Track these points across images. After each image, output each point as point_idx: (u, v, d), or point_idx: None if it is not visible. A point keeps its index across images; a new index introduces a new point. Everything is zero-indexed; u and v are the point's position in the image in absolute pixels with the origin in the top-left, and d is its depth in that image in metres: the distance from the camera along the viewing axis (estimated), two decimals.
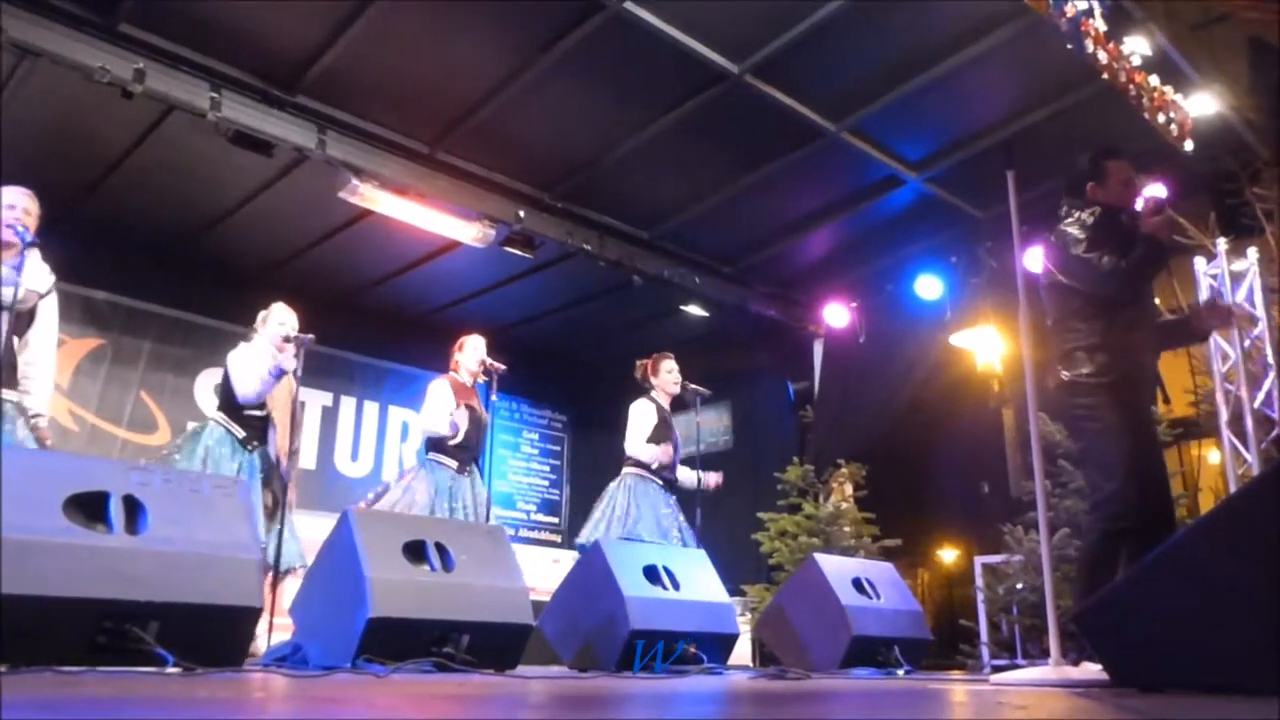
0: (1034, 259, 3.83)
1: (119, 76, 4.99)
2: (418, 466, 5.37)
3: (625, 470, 5.61)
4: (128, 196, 6.59)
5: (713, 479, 5.86)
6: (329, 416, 8.61)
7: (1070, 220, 3.62)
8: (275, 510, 4.78)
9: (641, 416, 5.67)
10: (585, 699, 2.10)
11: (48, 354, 4.20)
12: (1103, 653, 2.28)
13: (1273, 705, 1.74)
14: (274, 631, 4.57)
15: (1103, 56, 4.67)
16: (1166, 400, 3.74)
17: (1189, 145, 5.41)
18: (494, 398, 5.56)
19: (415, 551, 3.78)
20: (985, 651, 6.86)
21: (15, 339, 3.98)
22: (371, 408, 8.90)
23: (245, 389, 4.82)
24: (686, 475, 5.84)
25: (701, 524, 5.72)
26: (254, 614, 3.15)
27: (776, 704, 1.95)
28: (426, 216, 6.39)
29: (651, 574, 4.51)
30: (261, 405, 4.86)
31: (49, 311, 4.18)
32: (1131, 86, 4.86)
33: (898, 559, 7.19)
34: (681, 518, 5.62)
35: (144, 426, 7.43)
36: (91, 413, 7.17)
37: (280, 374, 4.83)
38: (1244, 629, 1.96)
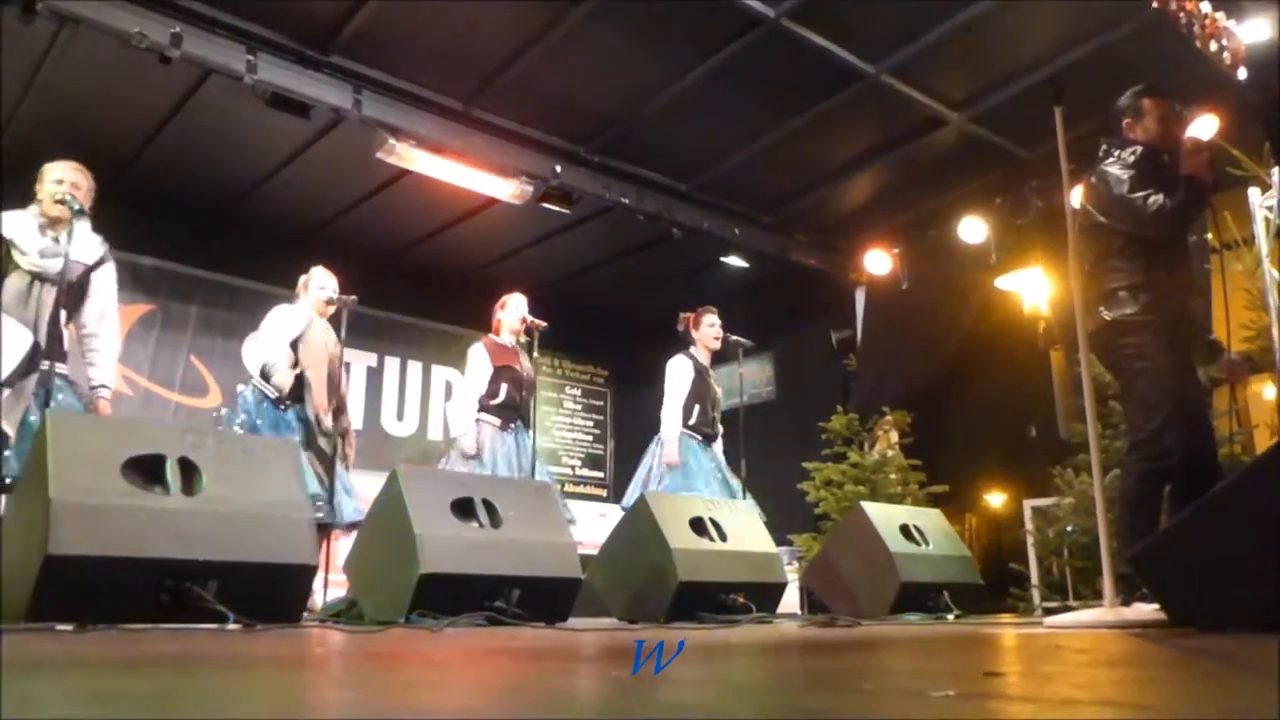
0: (1076, 194, 3.77)
1: (156, 41, 5.00)
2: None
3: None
4: (170, 163, 6.65)
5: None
6: (374, 377, 8.71)
7: (1111, 160, 3.58)
8: (325, 467, 4.84)
9: (678, 375, 5.75)
10: (611, 651, 2.11)
11: (107, 325, 4.25)
12: (1160, 593, 2.26)
13: None
14: (329, 588, 4.69)
15: None
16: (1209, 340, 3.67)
17: (1242, 73, 5.22)
18: (535, 355, 5.62)
19: (463, 508, 3.84)
20: (1036, 595, 6.83)
21: (64, 312, 4.02)
22: (415, 367, 8.97)
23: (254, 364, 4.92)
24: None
25: (746, 474, 5.75)
26: (309, 571, 3.22)
27: (829, 653, 1.95)
28: (463, 174, 6.38)
29: (698, 525, 4.54)
30: (294, 364, 4.88)
31: (104, 283, 4.21)
32: (1182, 14, 4.69)
33: (944, 505, 7.14)
34: (725, 470, 5.66)
35: (195, 389, 7.57)
36: (144, 377, 7.32)
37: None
38: None
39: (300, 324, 4.95)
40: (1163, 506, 3.40)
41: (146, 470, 2.95)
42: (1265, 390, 6.80)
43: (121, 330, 6.98)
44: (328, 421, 4.84)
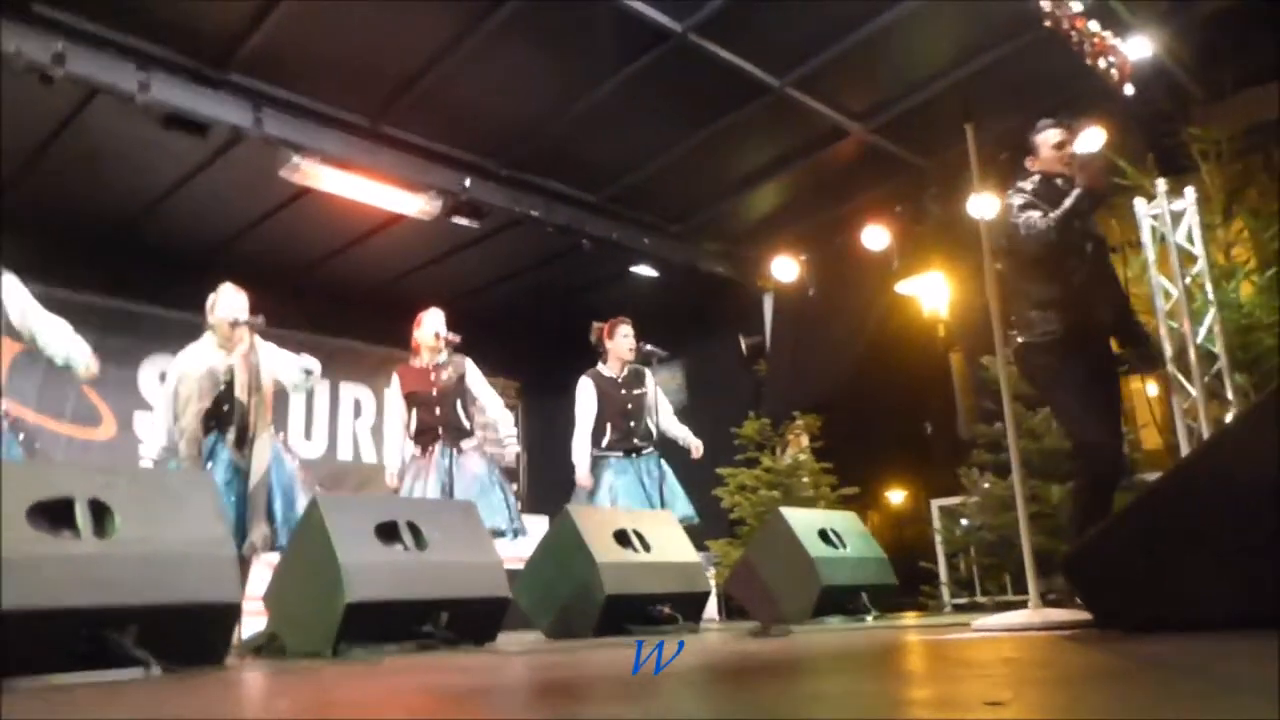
0: (983, 205, 3.96)
1: (36, 60, 4.77)
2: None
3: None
4: (56, 186, 6.34)
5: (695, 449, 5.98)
6: (279, 397, 8.40)
7: (1013, 191, 3.81)
8: None
9: (581, 401, 5.76)
10: (587, 679, 2.10)
11: (38, 324, 4.17)
12: (1088, 596, 2.35)
13: (1253, 639, 1.81)
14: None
15: (1045, 4, 4.72)
16: (1122, 346, 3.90)
17: (1129, 89, 5.49)
18: (449, 371, 5.54)
19: (387, 533, 3.76)
20: (945, 592, 7.04)
21: None
22: (322, 386, 8.73)
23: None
24: (678, 431, 5.96)
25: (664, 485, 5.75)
26: (233, 609, 3.10)
27: (784, 676, 1.97)
28: (371, 190, 6.26)
29: (622, 538, 4.54)
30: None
31: (8, 295, 4.07)
32: (1073, 33, 4.91)
33: (849, 503, 7.33)
34: (654, 484, 5.65)
35: (88, 420, 7.22)
36: (31, 410, 6.94)
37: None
38: (1227, 564, 2.03)
39: (175, 375, 4.87)
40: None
41: (54, 515, 2.80)
42: (1148, 387, 7.16)
43: (4, 363, 6.65)
44: (190, 452, 4.69)
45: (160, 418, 4.94)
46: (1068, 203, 3.59)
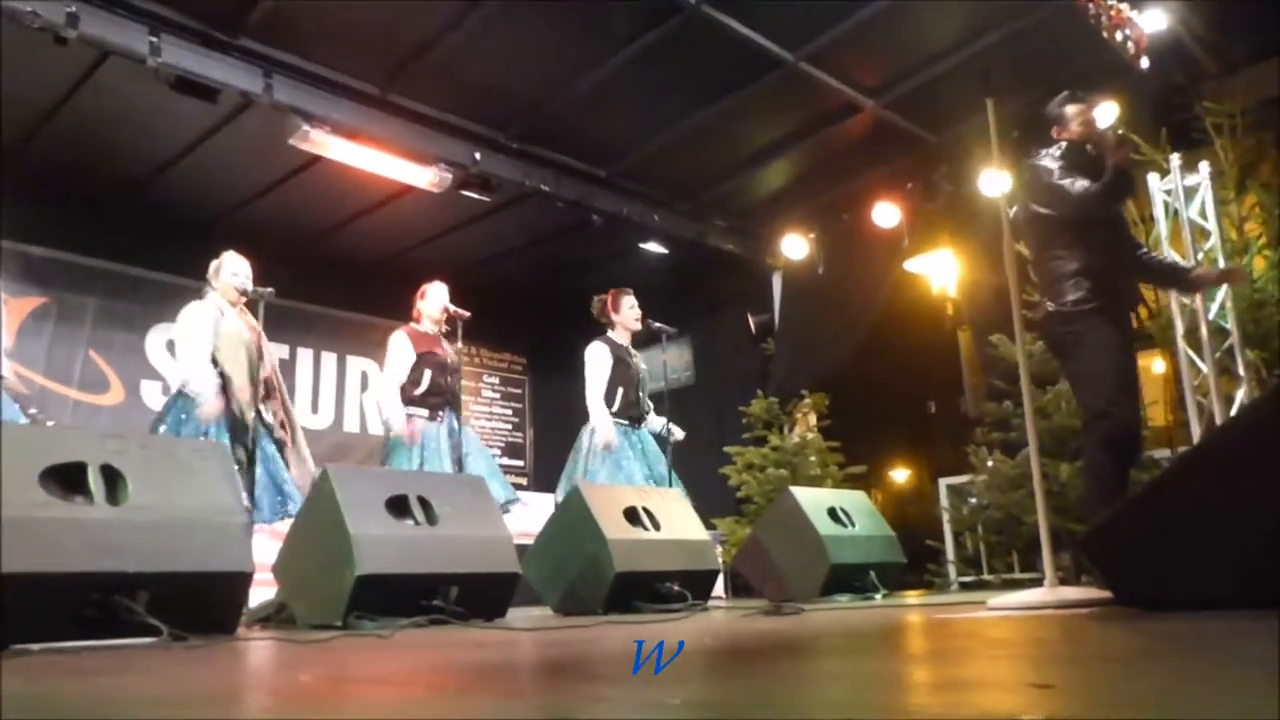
0: (996, 183, 3.96)
1: (51, 21, 4.73)
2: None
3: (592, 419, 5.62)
4: (64, 148, 6.28)
5: (678, 434, 5.88)
6: (285, 370, 8.37)
7: (1042, 155, 3.81)
8: (248, 467, 4.67)
9: (596, 363, 5.61)
10: (600, 657, 2.09)
11: None
12: (1107, 573, 2.33)
13: (1270, 619, 1.79)
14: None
15: None
16: (1141, 318, 3.89)
17: (1145, 63, 5.42)
18: (458, 344, 5.50)
19: (398, 506, 3.75)
20: (952, 570, 7.04)
21: None
22: (329, 358, 8.73)
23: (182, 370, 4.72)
24: (656, 422, 5.85)
25: (671, 460, 5.74)
26: (244, 579, 3.10)
27: (805, 656, 1.95)
28: (381, 161, 6.20)
29: (632, 515, 4.53)
30: (220, 385, 4.69)
31: None
32: (1091, 5, 4.84)
33: (856, 482, 7.32)
34: (651, 458, 5.62)
35: (95, 386, 7.22)
36: (40, 374, 6.95)
37: None
38: (1247, 544, 2.01)
39: (210, 321, 4.74)
40: (1128, 479, 3.57)
41: (67, 479, 2.79)
42: (1154, 365, 7.12)
43: (12, 325, 6.65)
44: (250, 414, 4.64)
45: (196, 359, 4.64)
46: (1109, 176, 3.60)
